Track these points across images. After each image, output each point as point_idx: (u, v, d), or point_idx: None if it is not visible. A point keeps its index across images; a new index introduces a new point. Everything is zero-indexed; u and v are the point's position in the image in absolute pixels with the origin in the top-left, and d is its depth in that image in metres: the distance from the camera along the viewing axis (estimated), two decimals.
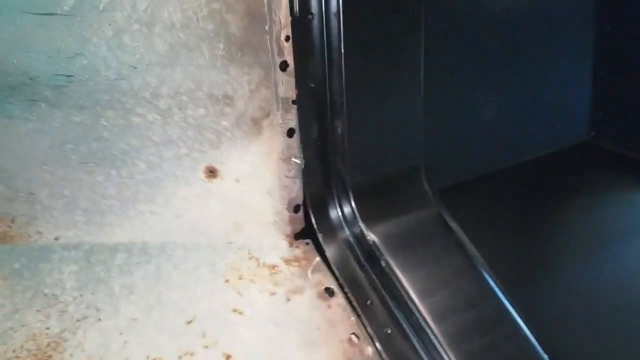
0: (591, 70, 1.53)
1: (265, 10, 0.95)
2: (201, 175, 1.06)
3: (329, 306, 1.00)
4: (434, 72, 1.17)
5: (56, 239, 1.09)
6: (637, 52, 1.51)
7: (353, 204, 1.07)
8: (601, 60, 1.50)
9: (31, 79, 0.98)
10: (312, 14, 0.99)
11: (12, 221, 1.08)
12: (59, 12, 0.94)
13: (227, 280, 1.05)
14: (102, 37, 0.95)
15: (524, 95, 1.44)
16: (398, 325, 0.98)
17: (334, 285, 1.05)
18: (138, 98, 1.00)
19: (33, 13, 0.94)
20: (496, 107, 1.38)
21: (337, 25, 1.00)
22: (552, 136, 1.53)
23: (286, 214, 1.08)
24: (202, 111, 1.01)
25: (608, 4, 1.47)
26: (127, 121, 1.02)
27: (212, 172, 1.05)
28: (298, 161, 1.05)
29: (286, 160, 1.04)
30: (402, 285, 1.03)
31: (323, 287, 1.04)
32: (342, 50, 1.01)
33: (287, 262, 1.09)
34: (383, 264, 1.05)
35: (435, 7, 1.11)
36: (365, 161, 1.09)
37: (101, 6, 0.93)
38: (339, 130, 1.07)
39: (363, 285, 1.05)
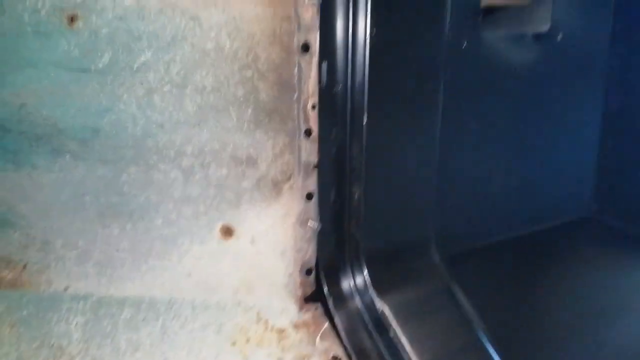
0: (597, 146, 1.58)
1: (295, 80, 0.99)
2: (217, 234, 1.06)
3: None
4: (448, 145, 1.21)
5: (66, 288, 1.08)
6: None
7: (365, 271, 1.08)
8: (607, 136, 1.56)
9: (59, 130, 1.01)
10: (338, 84, 1.04)
11: (25, 267, 1.07)
12: (93, 69, 0.97)
13: (234, 343, 1.05)
14: (133, 95, 0.99)
15: (531, 168, 1.49)
16: None
17: (341, 354, 1.04)
18: (162, 155, 1.02)
19: (68, 69, 0.98)
20: (504, 178, 1.42)
21: (362, 96, 1.04)
22: (556, 209, 1.57)
23: (298, 277, 1.09)
24: (224, 171, 1.03)
25: (616, 82, 1.53)
26: (149, 177, 1.04)
27: (228, 231, 1.06)
28: (314, 225, 1.06)
29: (303, 223, 1.06)
30: (410, 357, 1.03)
31: (331, 355, 1.04)
32: (365, 120, 1.05)
33: (296, 326, 1.08)
34: (392, 334, 1.05)
35: (451, 85, 1.16)
36: (379, 228, 1.11)
37: (135, 66, 0.97)
38: (356, 195, 1.09)
39: (371, 355, 1.05)
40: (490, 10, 1.27)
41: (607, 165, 1.58)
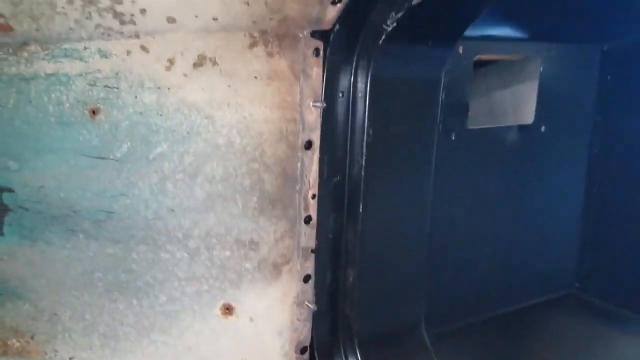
0: (579, 225, 1.68)
1: (298, 173, 1.08)
2: (218, 311, 1.13)
3: None
4: (438, 230, 1.30)
5: (71, 358, 1.13)
6: (624, 211, 1.68)
7: (358, 352, 1.15)
8: (589, 216, 1.66)
9: (74, 212, 1.08)
10: (337, 176, 1.13)
11: (32, 338, 1.13)
12: (111, 158, 1.06)
13: None
14: (147, 182, 1.07)
15: (517, 246, 1.58)
16: None
17: None
18: (170, 237, 1.10)
19: (87, 155, 1.06)
20: (491, 257, 1.51)
21: (358, 187, 1.14)
22: (541, 286, 1.66)
23: (293, 356, 1.15)
24: (227, 253, 1.11)
25: (597, 167, 1.65)
26: (157, 256, 1.11)
27: (228, 310, 1.13)
28: (311, 306, 1.13)
29: (300, 304, 1.13)
30: None
31: None
32: (361, 208, 1.14)
33: None
34: None
35: (442, 172, 1.27)
36: (372, 309, 1.19)
37: (151, 156, 1.06)
38: (351, 278, 1.17)
39: None
40: (483, 64, 1.38)
41: (589, 243, 1.68)
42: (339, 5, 0.98)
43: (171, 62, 1.02)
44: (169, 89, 1.03)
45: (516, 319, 1.56)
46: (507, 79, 1.44)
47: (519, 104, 1.43)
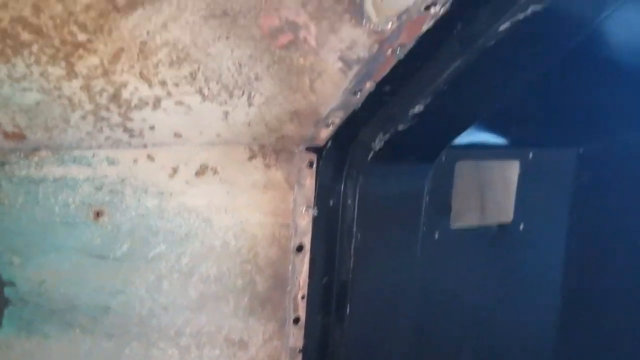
0: (556, 325, 1.75)
1: (289, 275, 1.15)
2: None
3: None
4: (421, 326, 1.36)
5: None
6: (600, 308, 1.75)
7: None
8: (566, 312, 1.74)
9: (72, 306, 1.14)
10: (325, 277, 1.21)
11: None
12: (111, 257, 1.12)
13: None
14: (144, 280, 1.13)
15: (496, 341, 1.64)
16: None
17: None
18: (162, 334, 1.15)
19: (88, 254, 1.12)
20: (474, 353, 1.57)
21: (345, 288, 1.21)
22: None
23: None
24: (217, 352, 1.16)
25: (575, 264, 1.74)
26: (149, 353, 1.16)
27: None
28: None
29: None
30: None
31: None
32: (348, 309, 1.20)
33: None
34: None
35: (426, 269, 1.34)
36: None
37: (150, 256, 1.13)
38: None
39: None
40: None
41: (566, 341, 1.75)
42: (331, 127, 1.08)
43: (175, 170, 1.11)
44: (171, 194, 1.11)
45: None
46: (490, 179, 1.55)
47: (499, 203, 1.53)
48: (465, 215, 1.47)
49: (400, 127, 1.07)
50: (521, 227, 1.57)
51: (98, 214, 1.12)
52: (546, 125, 1.57)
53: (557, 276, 1.71)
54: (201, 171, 1.11)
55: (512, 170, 1.55)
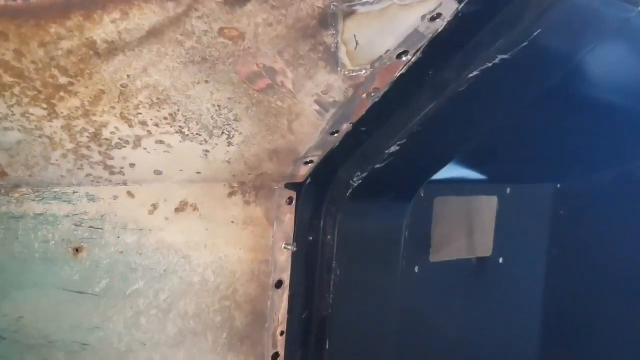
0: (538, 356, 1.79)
1: (268, 311, 1.17)
2: None
3: None
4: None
5: None
6: (581, 342, 1.79)
7: None
8: (547, 348, 1.77)
9: (50, 342, 1.14)
10: (305, 312, 1.23)
11: None
12: (90, 292, 1.14)
13: None
14: (122, 316, 1.15)
15: None
16: None
17: None
18: None
19: (67, 290, 1.14)
20: None
21: (324, 323, 1.23)
22: None
23: None
24: None
25: (555, 299, 1.78)
26: None
27: None
28: None
29: None
30: None
31: None
32: (327, 345, 1.22)
33: None
34: None
35: (406, 303, 1.37)
36: None
37: (128, 292, 1.14)
38: None
39: None
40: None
41: None
42: (310, 165, 1.12)
43: (155, 207, 1.13)
44: (150, 230, 1.14)
45: None
46: (469, 214, 1.59)
47: (479, 237, 1.57)
48: (445, 249, 1.51)
49: (377, 166, 1.11)
50: (500, 260, 1.61)
51: (77, 250, 1.14)
52: (524, 161, 1.62)
53: (537, 308, 1.74)
54: (181, 208, 1.13)
55: (490, 205, 1.60)
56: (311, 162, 1.11)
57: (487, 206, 1.57)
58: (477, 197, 1.57)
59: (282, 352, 1.19)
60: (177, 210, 1.13)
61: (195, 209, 1.14)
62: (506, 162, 1.57)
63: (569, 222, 1.70)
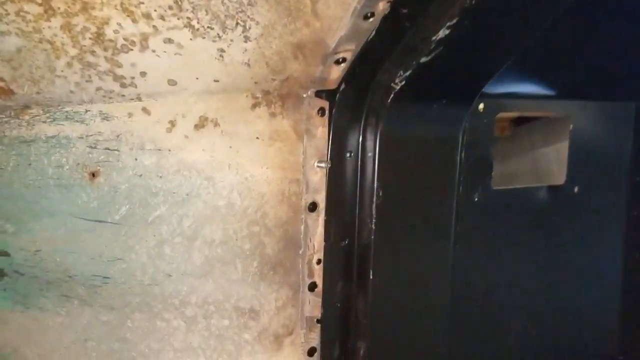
0: (620, 291, 1.59)
1: (301, 236, 1.06)
2: None
3: None
4: (460, 299, 1.25)
5: None
6: None
7: None
8: (630, 281, 1.57)
9: (69, 276, 1.09)
10: (345, 240, 1.11)
11: None
12: (109, 221, 1.07)
13: None
14: (145, 246, 1.07)
15: (550, 316, 1.50)
16: None
17: None
18: (167, 304, 1.09)
19: (84, 218, 1.08)
20: (522, 327, 1.43)
21: (368, 252, 1.11)
22: (580, 357, 1.56)
23: None
24: (226, 322, 1.09)
25: (638, 230, 1.57)
26: (152, 325, 1.10)
27: None
28: None
29: None
30: None
31: None
32: (371, 275, 1.10)
33: None
34: None
35: (464, 235, 1.23)
36: None
37: (150, 219, 1.07)
38: (362, 352, 1.13)
39: None
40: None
41: (632, 311, 1.58)
42: (343, 65, 0.99)
43: (172, 124, 1.05)
44: (169, 150, 1.05)
45: None
46: (544, 138, 1.41)
47: (549, 162, 1.39)
48: (510, 175, 1.34)
49: (423, 59, 0.97)
50: (576, 189, 1.43)
51: (93, 175, 1.08)
52: (602, 75, 1.41)
53: (618, 244, 1.54)
54: (200, 124, 1.04)
55: (563, 125, 1.41)
56: (343, 60, 0.98)
57: (559, 126, 1.39)
58: (547, 115, 1.39)
59: (319, 282, 1.09)
60: (196, 126, 1.04)
61: (216, 124, 1.04)
62: (581, 75, 1.37)
63: None
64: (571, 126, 1.38)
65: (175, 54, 0.96)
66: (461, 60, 1.00)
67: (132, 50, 0.95)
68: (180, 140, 1.06)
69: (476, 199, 1.26)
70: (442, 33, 0.92)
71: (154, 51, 0.95)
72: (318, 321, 1.10)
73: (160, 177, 1.07)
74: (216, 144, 1.05)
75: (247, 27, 0.93)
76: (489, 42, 0.99)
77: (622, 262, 1.55)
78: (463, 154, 1.20)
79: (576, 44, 1.33)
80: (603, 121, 1.44)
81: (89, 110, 1.06)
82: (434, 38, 0.93)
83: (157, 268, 1.09)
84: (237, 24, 0.93)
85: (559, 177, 1.39)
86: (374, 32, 0.95)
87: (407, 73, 0.99)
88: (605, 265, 1.54)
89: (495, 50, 1.02)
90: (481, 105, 1.22)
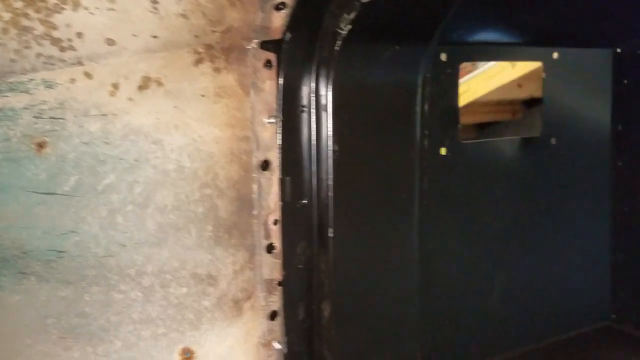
0: (609, 250, 1.53)
1: (255, 196, 1.03)
2: (177, 357, 1.07)
3: None
4: (431, 256, 1.20)
5: None
6: None
7: None
8: (619, 237, 1.51)
9: (24, 252, 1.07)
10: (303, 198, 1.07)
11: None
12: (59, 192, 1.05)
13: None
14: (97, 216, 1.05)
15: (536, 276, 1.45)
16: None
17: None
18: (123, 275, 1.07)
19: (34, 191, 1.06)
20: (504, 289, 1.38)
21: (326, 210, 1.07)
22: (569, 319, 1.50)
23: None
24: (184, 290, 1.06)
25: (624, 181, 1.51)
26: (109, 297, 1.08)
27: (188, 355, 1.07)
28: (279, 346, 1.05)
29: (266, 345, 1.06)
30: None
31: None
32: (331, 233, 1.07)
33: None
34: None
35: (432, 192, 1.18)
36: (354, 351, 1.09)
37: (99, 188, 1.05)
38: (326, 314, 1.09)
39: None
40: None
41: (623, 269, 1.52)
42: (284, 11, 0.96)
43: (115, 87, 1.03)
44: (114, 115, 1.04)
45: (550, 355, 1.39)
46: None
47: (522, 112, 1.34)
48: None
49: None
50: (553, 141, 1.37)
51: (40, 146, 1.06)
52: (575, 22, 1.36)
53: (604, 198, 1.49)
54: (144, 85, 1.02)
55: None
56: (283, 4, 0.95)
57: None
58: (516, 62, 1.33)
59: (278, 244, 1.06)
60: (140, 88, 1.02)
61: (160, 84, 1.02)
62: (552, 21, 1.31)
63: (632, 92, 1.41)
64: (543, 74, 1.33)
65: (108, 10, 0.94)
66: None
67: (64, 9, 0.94)
68: (124, 104, 1.04)
69: (443, 153, 1.22)
70: None
71: (86, 8, 0.94)
72: (279, 284, 1.06)
73: (107, 143, 1.04)
74: (161, 104, 1.03)
75: None
76: None
77: (611, 216, 1.49)
78: (426, 106, 1.16)
79: None
80: (578, 69, 1.39)
81: (33, 80, 1.04)
82: None
83: (111, 238, 1.07)
84: None
85: (535, 128, 1.34)
86: None
87: (352, 16, 0.96)
88: (592, 222, 1.49)
89: None
90: (443, 55, 1.18)
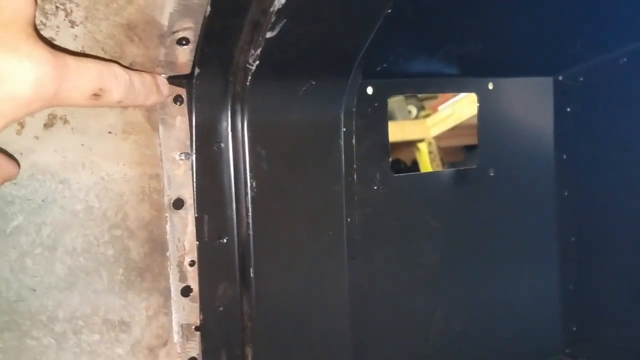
0: (559, 280, 1.40)
1: (169, 237, 0.91)
2: None
3: None
4: (365, 295, 1.08)
5: None
6: (610, 259, 1.40)
7: None
8: (569, 268, 1.38)
9: None
10: (222, 237, 0.95)
11: None
12: None
13: None
14: (6, 259, 0.93)
15: (480, 310, 1.31)
16: None
17: None
18: (35, 321, 0.94)
19: None
20: (445, 325, 1.24)
21: (248, 249, 0.95)
22: (520, 355, 1.36)
23: None
24: (96, 337, 0.93)
25: (571, 211, 1.39)
26: (22, 344, 0.94)
27: None
28: None
29: None
30: None
31: None
32: (252, 274, 0.94)
33: None
34: None
35: (365, 229, 1.06)
36: None
37: (8, 230, 0.92)
38: (249, 358, 0.95)
39: None
40: None
41: (574, 301, 1.39)
42: (187, 46, 0.85)
43: (22, 125, 0.91)
44: (21, 154, 0.91)
45: None
46: None
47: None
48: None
49: (269, 34, 0.82)
50: (491, 172, 1.25)
51: None
52: (513, 51, 1.25)
53: (551, 229, 1.35)
54: (50, 122, 0.90)
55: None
56: (187, 40, 0.84)
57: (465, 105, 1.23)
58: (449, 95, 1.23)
59: (195, 286, 0.92)
60: (45, 125, 0.91)
61: (66, 121, 0.90)
62: (488, 52, 1.19)
63: (576, 120, 1.30)
64: (477, 105, 1.22)
65: None
66: (313, 32, 0.85)
67: None
68: (30, 142, 0.92)
69: (375, 187, 1.10)
70: (278, 3, 0.78)
71: None
72: (196, 329, 0.93)
73: (15, 183, 0.92)
74: (67, 142, 0.91)
75: (69, 11, 0.80)
76: (339, 9, 0.84)
77: (558, 246, 1.37)
78: (353, 140, 1.04)
79: (477, 14, 1.17)
80: (516, 98, 1.28)
81: None
82: (271, 9, 0.79)
83: (21, 283, 0.94)
84: (57, 7, 0.79)
85: (472, 159, 1.23)
86: (209, 7, 0.80)
87: (258, 51, 0.85)
88: (538, 253, 1.36)
89: (350, 17, 0.86)
90: (369, 89, 1.07)
